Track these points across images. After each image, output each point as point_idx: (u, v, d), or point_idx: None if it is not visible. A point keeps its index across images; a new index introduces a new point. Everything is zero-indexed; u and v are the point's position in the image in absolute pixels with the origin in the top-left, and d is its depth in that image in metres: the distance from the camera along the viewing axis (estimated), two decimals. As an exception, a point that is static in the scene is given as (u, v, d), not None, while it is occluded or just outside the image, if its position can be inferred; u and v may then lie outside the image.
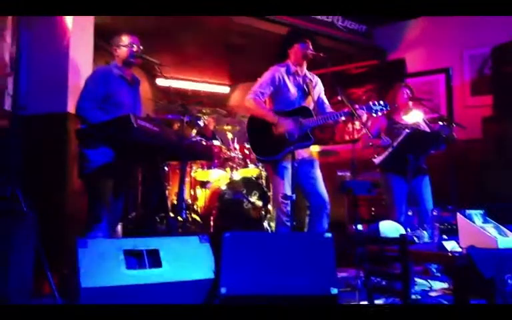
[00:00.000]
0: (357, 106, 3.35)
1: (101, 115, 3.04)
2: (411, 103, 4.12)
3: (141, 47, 3.31)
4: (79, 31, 4.00)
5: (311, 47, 3.45)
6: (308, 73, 3.58)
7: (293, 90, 3.46)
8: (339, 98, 3.63)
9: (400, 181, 3.94)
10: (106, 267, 2.22)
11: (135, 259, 2.31)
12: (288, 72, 3.48)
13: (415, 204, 3.97)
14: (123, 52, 3.27)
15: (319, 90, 3.63)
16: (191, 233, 4.13)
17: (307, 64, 3.56)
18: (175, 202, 4.66)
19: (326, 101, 3.67)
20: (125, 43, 3.27)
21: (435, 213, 2.76)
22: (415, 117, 4.13)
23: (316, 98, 3.57)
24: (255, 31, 5.04)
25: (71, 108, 3.65)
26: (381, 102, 3.41)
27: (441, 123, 3.99)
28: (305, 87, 3.50)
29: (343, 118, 3.39)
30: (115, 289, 2.19)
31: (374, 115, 3.42)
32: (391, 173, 4.00)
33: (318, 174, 3.49)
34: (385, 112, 3.49)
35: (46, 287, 2.67)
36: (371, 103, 3.40)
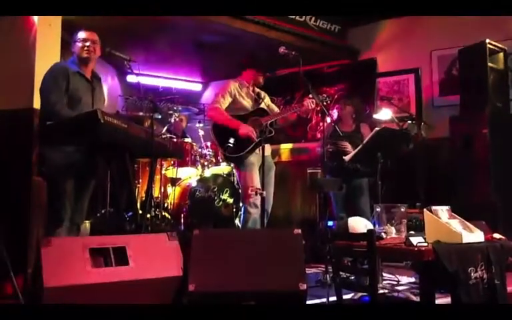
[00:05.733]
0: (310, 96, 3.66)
1: (70, 112, 2.94)
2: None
3: (99, 43, 3.18)
4: (45, 26, 3.90)
5: (261, 80, 3.77)
6: (256, 89, 3.86)
7: (247, 99, 3.76)
8: (310, 96, 3.69)
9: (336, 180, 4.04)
10: (70, 265, 2.17)
11: (101, 257, 2.26)
12: (241, 86, 3.78)
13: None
14: (77, 47, 3.12)
15: (267, 101, 3.94)
16: (160, 230, 4.09)
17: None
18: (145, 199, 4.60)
19: (275, 108, 4.02)
20: (80, 38, 3.12)
21: (402, 210, 2.80)
22: (384, 115, 4.20)
23: (266, 107, 3.85)
24: (228, 29, 5.02)
25: (37, 104, 3.55)
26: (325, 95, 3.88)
27: (409, 122, 4.08)
28: (256, 97, 3.82)
29: (298, 110, 3.67)
30: (80, 287, 2.14)
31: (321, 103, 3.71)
32: (329, 175, 4.14)
33: (272, 178, 3.73)
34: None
35: (8, 288, 2.59)
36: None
